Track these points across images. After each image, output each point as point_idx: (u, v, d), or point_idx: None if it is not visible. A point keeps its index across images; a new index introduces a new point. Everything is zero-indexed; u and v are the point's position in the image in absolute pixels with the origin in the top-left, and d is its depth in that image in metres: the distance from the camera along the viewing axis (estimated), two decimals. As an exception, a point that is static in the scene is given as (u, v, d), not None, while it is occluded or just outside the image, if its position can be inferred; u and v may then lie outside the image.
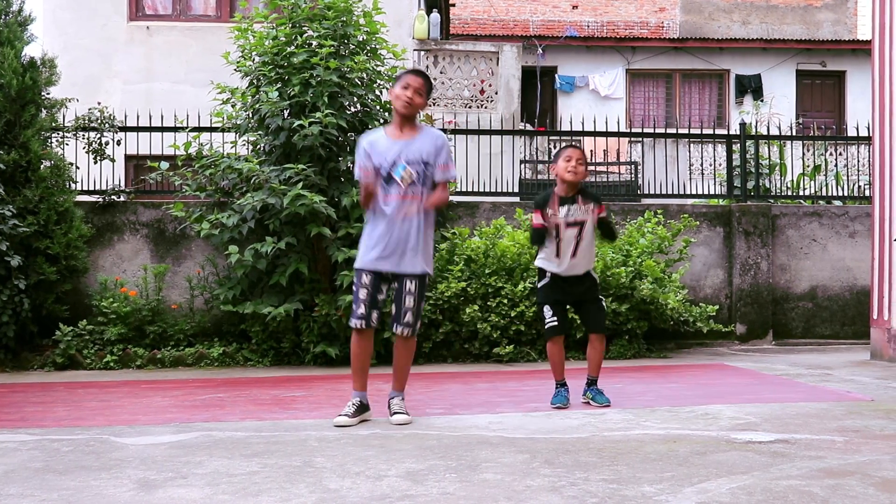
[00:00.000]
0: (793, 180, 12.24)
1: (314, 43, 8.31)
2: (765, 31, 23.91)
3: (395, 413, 5.07)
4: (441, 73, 14.42)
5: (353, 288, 5.10)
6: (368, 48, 8.59)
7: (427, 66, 14.41)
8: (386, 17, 8.79)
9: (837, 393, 6.09)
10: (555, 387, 5.64)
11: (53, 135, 9.03)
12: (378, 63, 8.65)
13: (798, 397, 5.89)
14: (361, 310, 5.02)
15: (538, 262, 5.68)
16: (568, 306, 5.72)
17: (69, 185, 8.81)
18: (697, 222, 9.68)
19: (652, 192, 11.32)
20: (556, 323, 5.56)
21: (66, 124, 9.14)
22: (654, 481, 3.60)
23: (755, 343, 9.74)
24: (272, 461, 4.06)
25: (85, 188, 9.41)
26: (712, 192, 12.80)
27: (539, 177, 14.59)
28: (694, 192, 13.20)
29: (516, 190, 11.92)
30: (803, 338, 9.99)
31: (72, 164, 8.95)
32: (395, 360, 5.23)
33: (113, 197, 9.16)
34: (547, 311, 5.59)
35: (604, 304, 5.90)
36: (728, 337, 9.60)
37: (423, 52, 14.41)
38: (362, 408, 5.06)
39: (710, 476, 3.68)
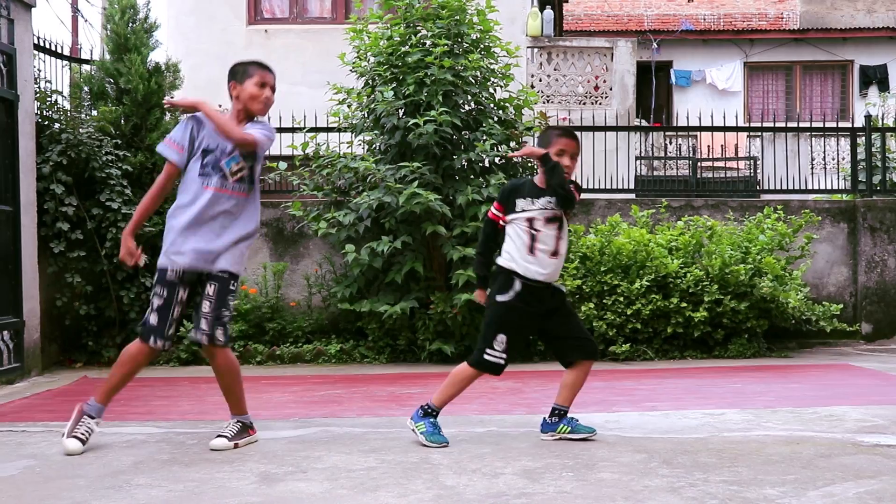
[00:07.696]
0: (921, 174, 11.79)
1: (428, 42, 8.36)
2: (892, 19, 23.03)
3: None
4: (555, 69, 14.37)
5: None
6: (482, 46, 8.60)
7: (541, 63, 14.37)
8: (499, 15, 8.79)
9: (971, 395, 5.85)
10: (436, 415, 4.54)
11: (177, 137, 9.28)
12: (492, 61, 8.66)
13: (929, 399, 5.69)
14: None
15: (504, 262, 4.46)
16: (529, 335, 4.83)
17: (192, 185, 9.07)
18: (820, 218, 9.40)
19: (771, 187, 11.07)
20: (503, 362, 4.39)
21: (188, 127, 9.40)
22: (776, 484, 3.53)
23: (882, 343, 9.41)
24: (389, 457, 4.11)
25: (206, 189, 9.65)
26: (835, 187, 12.43)
27: (655, 173, 14.39)
28: (816, 187, 12.82)
29: (632, 187, 11.76)
30: (934, 338, 9.62)
31: (194, 165, 9.21)
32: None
33: (233, 197, 9.37)
34: (499, 341, 4.36)
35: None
36: (853, 336, 9.30)
37: (536, 49, 14.37)
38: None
39: (836, 479, 3.58)
